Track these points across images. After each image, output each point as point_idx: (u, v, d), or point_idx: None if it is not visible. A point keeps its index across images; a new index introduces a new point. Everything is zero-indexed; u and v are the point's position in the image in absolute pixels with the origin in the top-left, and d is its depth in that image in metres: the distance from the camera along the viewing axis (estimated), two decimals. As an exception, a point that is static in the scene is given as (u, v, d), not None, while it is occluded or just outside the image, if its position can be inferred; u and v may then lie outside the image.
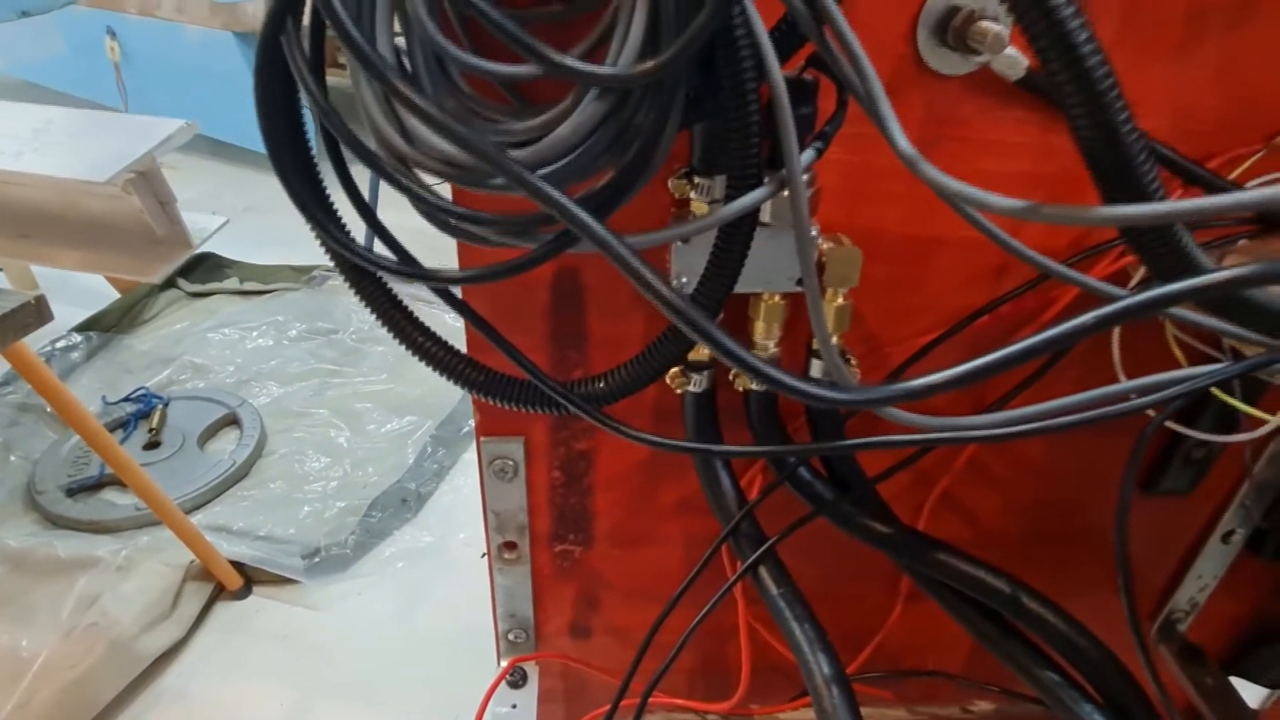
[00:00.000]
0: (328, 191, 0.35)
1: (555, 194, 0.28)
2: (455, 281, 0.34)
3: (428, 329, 0.40)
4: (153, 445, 1.88)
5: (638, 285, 0.29)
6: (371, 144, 0.32)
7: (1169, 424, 0.52)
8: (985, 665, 0.73)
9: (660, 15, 0.28)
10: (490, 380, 0.41)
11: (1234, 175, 0.47)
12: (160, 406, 1.96)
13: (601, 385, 0.40)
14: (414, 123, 0.30)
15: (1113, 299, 0.38)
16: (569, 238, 0.32)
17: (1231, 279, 0.25)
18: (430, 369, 0.41)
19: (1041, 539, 0.68)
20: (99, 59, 2.79)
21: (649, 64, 0.28)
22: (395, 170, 0.31)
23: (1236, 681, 0.75)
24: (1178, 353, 0.47)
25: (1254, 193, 0.24)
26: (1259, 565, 0.69)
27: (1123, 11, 0.45)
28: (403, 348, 0.42)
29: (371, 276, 0.37)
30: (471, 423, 1.11)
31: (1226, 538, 0.67)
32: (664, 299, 0.29)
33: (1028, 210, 0.27)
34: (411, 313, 0.40)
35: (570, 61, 0.28)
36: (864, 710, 0.67)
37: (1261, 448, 0.58)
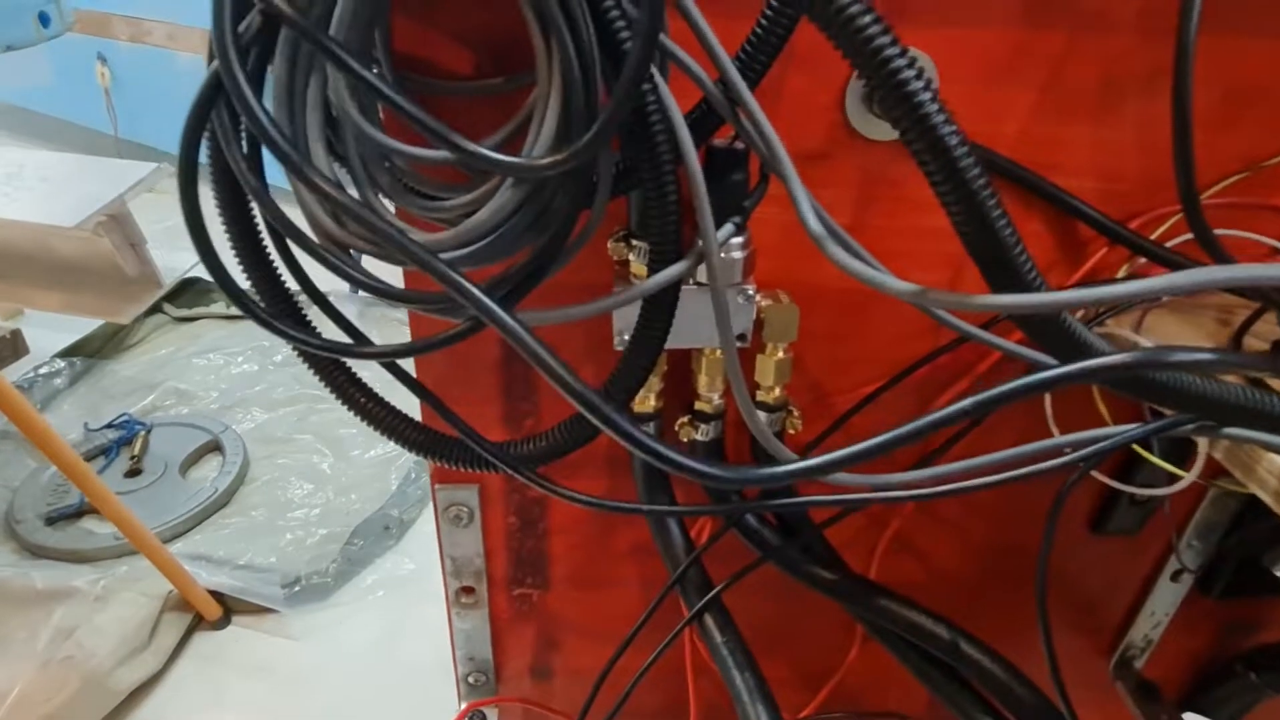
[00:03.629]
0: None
1: (459, 279, 0.29)
2: (392, 355, 0.35)
3: (370, 390, 0.41)
4: (134, 472, 1.87)
5: (542, 372, 0.30)
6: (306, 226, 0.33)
7: (1097, 475, 0.53)
8: (944, 708, 0.74)
9: (571, 108, 0.30)
10: (430, 440, 0.42)
11: (1156, 235, 0.49)
12: (142, 433, 1.96)
13: (530, 448, 0.41)
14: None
15: (1029, 360, 0.40)
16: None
17: (1112, 365, 0.27)
18: (372, 429, 0.42)
19: (996, 579, 0.69)
20: (89, 84, 2.82)
21: (559, 155, 0.29)
22: (329, 253, 0.32)
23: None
24: (1102, 408, 0.49)
25: (1124, 285, 0.25)
26: (1210, 603, 0.70)
27: (1045, 81, 0.47)
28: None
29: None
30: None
31: (1175, 576, 0.69)
32: (569, 388, 0.30)
33: (918, 295, 0.29)
34: (356, 376, 0.41)
35: (482, 150, 0.30)
36: (822, 751, 0.67)
37: (1185, 501, 0.60)
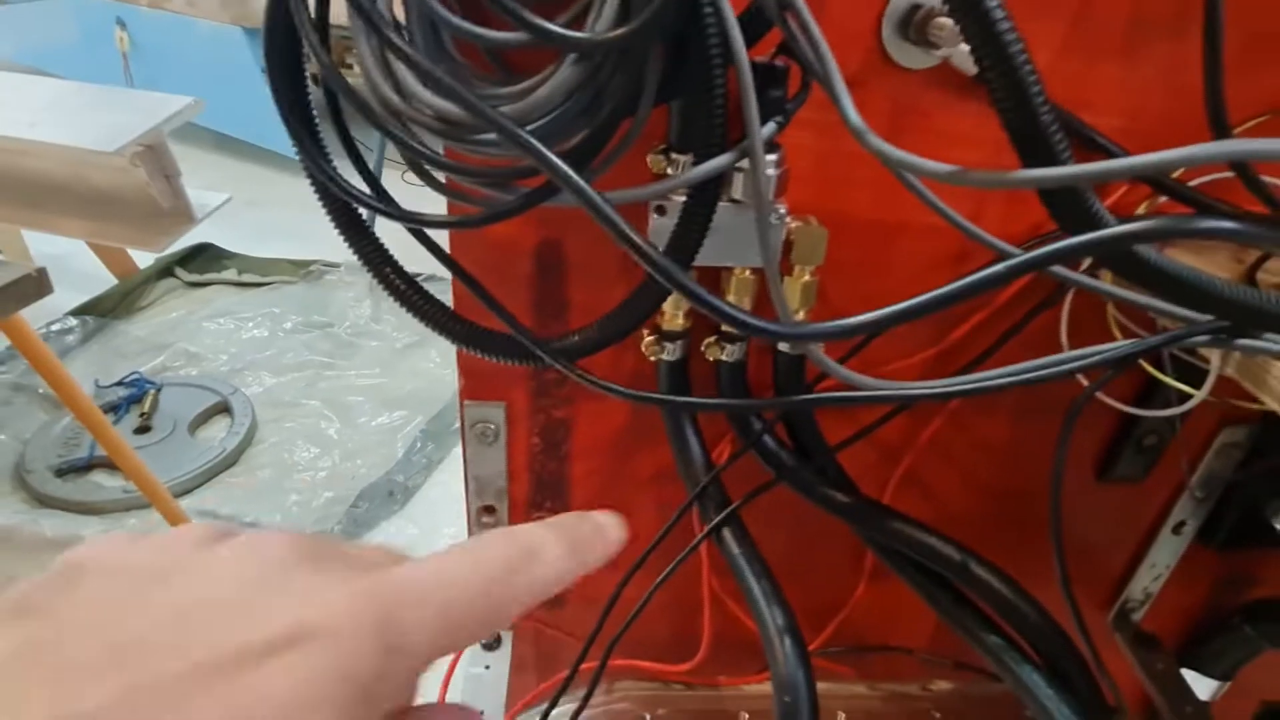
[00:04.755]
0: (319, 128, 0.39)
1: (536, 144, 0.31)
2: (431, 224, 0.37)
3: (409, 275, 0.43)
4: (143, 429, 1.89)
5: (601, 223, 0.32)
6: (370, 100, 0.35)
7: (1104, 398, 0.55)
8: (947, 644, 0.76)
9: (631, -9, 0.32)
10: (470, 331, 0.43)
11: (1177, 174, 0.50)
12: (152, 391, 1.97)
13: (569, 341, 0.43)
14: (406, 77, 0.33)
15: (1063, 281, 0.41)
16: (544, 191, 0.35)
17: (1122, 234, 0.29)
18: (414, 317, 0.44)
19: (1004, 523, 0.71)
20: (108, 49, 2.83)
21: (620, 30, 0.31)
22: (387, 122, 0.34)
23: (1190, 676, 0.78)
24: (1117, 334, 0.51)
25: (1149, 156, 0.27)
26: (1211, 556, 0.72)
27: (1075, 14, 0.48)
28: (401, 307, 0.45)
29: (358, 220, 0.40)
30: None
31: (1178, 528, 0.70)
32: (628, 239, 0.32)
33: (956, 175, 0.31)
34: (394, 258, 0.43)
35: (551, 27, 0.31)
36: (825, 686, 0.69)
37: (1199, 436, 0.61)
